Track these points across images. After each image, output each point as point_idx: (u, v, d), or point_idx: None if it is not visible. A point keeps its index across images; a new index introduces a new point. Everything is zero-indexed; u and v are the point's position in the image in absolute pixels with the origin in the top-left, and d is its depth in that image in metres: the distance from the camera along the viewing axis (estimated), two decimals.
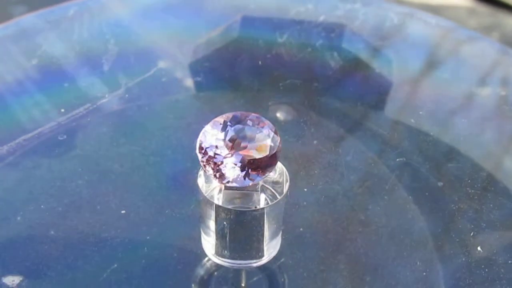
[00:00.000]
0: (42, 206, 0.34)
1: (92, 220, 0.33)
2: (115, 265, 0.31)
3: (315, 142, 0.38)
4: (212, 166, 0.26)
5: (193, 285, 0.30)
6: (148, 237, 0.32)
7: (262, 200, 0.28)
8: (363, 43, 0.44)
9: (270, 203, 0.28)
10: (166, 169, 0.36)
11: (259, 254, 0.29)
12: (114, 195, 0.34)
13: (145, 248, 0.32)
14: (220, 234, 0.29)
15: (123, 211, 0.33)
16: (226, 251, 0.29)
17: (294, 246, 0.32)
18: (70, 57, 0.42)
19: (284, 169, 0.29)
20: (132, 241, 0.32)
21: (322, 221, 0.33)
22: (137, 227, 0.33)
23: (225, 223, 0.28)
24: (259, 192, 0.28)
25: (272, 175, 0.29)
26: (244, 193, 0.28)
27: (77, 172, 0.36)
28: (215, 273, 0.31)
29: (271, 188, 0.29)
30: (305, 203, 0.34)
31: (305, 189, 0.35)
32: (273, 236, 0.29)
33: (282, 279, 0.31)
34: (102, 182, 0.35)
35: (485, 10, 0.82)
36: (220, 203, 0.28)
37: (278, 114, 0.40)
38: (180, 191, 0.35)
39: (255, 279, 0.31)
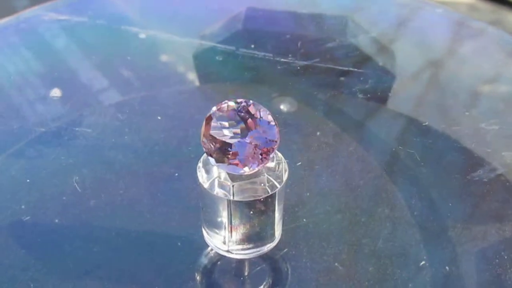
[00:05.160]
0: (46, 195, 0.34)
1: (96, 210, 0.33)
2: (119, 254, 0.31)
3: (318, 133, 0.38)
4: (218, 143, 0.26)
5: (196, 273, 0.31)
6: (151, 227, 0.32)
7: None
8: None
9: (269, 193, 0.28)
10: (169, 159, 0.36)
11: (224, 244, 0.30)
12: (118, 185, 0.35)
13: (149, 237, 0.32)
14: (202, 210, 0.30)
15: (127, 201, 0.34)
16: (205, 227, 0.30)
17: (297, 236, 0.32)
18: None
19: (283, 158, 0.29)
20: (136, 230, 0.32)
21: (325, 211, 0.33)
22: (140, 216, 0.33)
23: (200, 202, 0.29)
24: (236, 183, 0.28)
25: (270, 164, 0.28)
26: (222, 182, 0.28)
27: (81, 162, 0.36)
28: (218, 262, 0.31)
29: (272, 179, 0.28)
30: (308, 194, 0.34)
31: (308, 180, 0.35)
32: (251, 233, 0.29)
33: (285, 269, 0.31)
34: (106, 172, 0.35)
35: (487, 7, 0.82)
36: (205, 181, 0.28)
37: (281, 106, 0.40)
38: (183, 181, 0.35)
39: (258, 268, 0.31)
